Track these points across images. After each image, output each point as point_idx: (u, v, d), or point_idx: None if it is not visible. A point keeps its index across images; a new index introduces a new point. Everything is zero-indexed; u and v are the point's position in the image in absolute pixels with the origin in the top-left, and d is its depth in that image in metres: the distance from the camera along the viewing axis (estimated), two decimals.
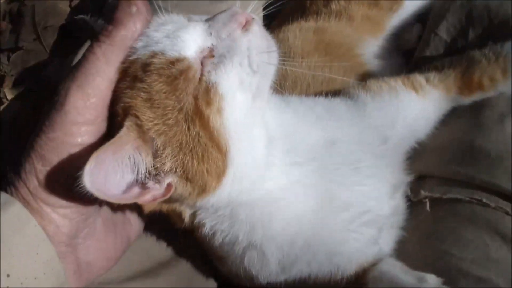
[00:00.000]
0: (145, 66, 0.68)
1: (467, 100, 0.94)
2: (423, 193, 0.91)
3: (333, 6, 1.16)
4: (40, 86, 1.53)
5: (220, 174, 0.70)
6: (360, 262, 0.83)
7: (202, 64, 0.69)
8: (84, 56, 0.69)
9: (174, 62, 0.68)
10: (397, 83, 0.94)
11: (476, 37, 1.08)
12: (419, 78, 0.95)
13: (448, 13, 1.12)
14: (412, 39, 1.22)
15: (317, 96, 0.93)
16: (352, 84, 0.96)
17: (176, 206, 0.77)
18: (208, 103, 0.68)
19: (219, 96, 0.68)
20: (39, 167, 0.67)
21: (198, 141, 0.68)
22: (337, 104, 0.91)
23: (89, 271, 0.75)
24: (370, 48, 1.16)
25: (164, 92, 0.67)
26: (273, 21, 1.32)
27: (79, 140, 0.67)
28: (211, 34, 0.71)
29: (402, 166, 0.93)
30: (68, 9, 1.76)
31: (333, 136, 0.85)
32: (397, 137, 0.90)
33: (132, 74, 0.68)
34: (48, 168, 0.67)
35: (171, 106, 0.67)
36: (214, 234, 0.79)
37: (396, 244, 0.89)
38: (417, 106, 0.92)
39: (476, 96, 0.93)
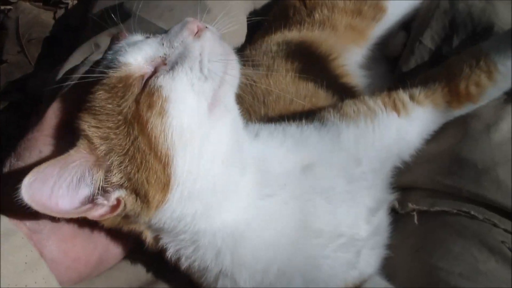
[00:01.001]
0: (93, 85, 0.70)
1: (458, 112, 0.91)
2: (410, 205, 0.90)
3: (317, 15, 1.16)
4: (25, 99, 1.52)
5: (163, 186, 0.68)
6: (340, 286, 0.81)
7: (155, 71, 0.70)
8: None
9: (114, 72, 0.69)
10: (376, 104, 0.90)
11: (461, 44, 1.08)
12: (402, 95, 0.92)
13: (432, 20, 1.12)
14: (397, 47, 1.22)
15: (291, 124, 0.90)
16: (327, 108, 0.92)
17: (135, 226, 0.75)
18: (150, 106, 0.67)
19: (162, 99, 0.67)
20: (14, 161, 0.71)
21: (137, 147, 0.67)
22: (310, 131, 0.88)
23: (54, 269, 0.72)
24: (354, 57, 1.15)
25: (105, 99, 0.68)
26: (257, 31, 1.31)
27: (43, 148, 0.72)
28: (163, 44, 0.72)
29: (385, 186, 0.91)
30: (52, 21, 1.75)
31: (306, 163, 0.82)
32: (373, 159, 0.87)
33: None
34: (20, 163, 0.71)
35: (112, 111, 0.68)
36: (179, 259, 0.77)
37: (383, 261, 0.88)
38: (398, 128, 0.89)
39: (467, 107, 0.91)
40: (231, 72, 0.72)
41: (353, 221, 0.83)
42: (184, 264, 0.77)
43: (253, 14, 1.43)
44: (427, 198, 0.91)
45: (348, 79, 1.11)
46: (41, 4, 1.80)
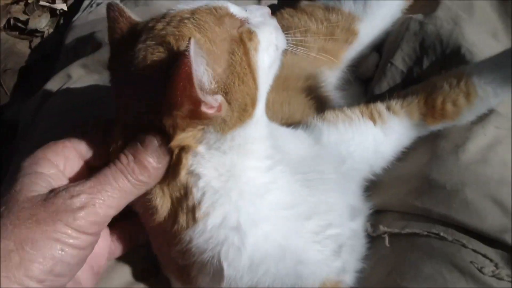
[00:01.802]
0: (193, 12, 0.74)
1: (432, 127, 0.94)
2: (382, 228, 0.91)
3: (289, 39, 1.17)
4: (1, 129, 1.51)
5: (254, 102, 0.74)
6: (324, 275, 0.81)
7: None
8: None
9: (219, 8, 0.76)
10: (354, 112, 0.94)
11: (431, 65, 1.11)
12: (379, 106, 0.96)
13: (402, 42, 1.15)
14: (370, 68, 1.24)
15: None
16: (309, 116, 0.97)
17: (196, 136, 0.72)
18: (250, 39, 0.75)
19: (257, 39, 0.76)
20: None
21: (240, 64, 0.72)
22: (299, 132, 0.92)
23: None
24: (328, 79, 1.17)
25: (213, 23, 0.73)
26: None
27: None
28: (246, 10, 0.80)
29: (361, 194, 0.93)
30: (28, 50, 1.75)
31: (301, 150, 0.87)
32: (354, 162, 0.90)
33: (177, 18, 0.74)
34: None
35: (220, 35, 0.72)
36: (204, 194, 0.74)
37: (359, 279, 0.88)
38: (374, 137, 0.92)
39: (442, 124, 0.94)
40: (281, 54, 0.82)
41: (341, 212, 0.85)
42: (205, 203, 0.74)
43: None
44: (398, 220, 0.92)
45: (324, 100, 1.13)
46: (17, 33, 1.80)
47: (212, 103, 0.68)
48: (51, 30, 1.80)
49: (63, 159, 0.73)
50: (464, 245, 0.83)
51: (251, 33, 0.76)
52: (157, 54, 0.70)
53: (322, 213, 0.81)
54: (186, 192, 0.73)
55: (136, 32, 0.75)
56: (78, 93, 1.14)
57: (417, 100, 0.93)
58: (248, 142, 0.75)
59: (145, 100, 0.71)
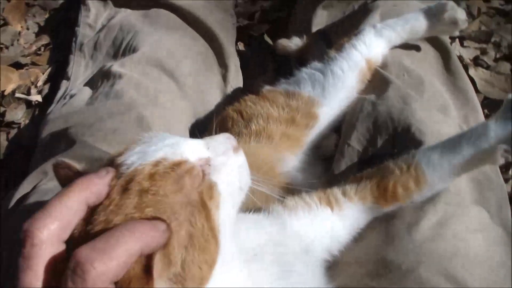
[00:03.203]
0: (151, 176, 0.69)
1: (385, 209, 0.99)
2: None
3: (253, 126, 1.23)
4: None
5: (212, 264, 0.71)
6: None
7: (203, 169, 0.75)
8: None
9: (178, 164, 0.72)
10: (312, 200, 0.98)
11: (384, 144, 1.17)
12: (336, 192, 1.00)
13: (357, 122, 1.22)
14: (329, 148, 1.31)
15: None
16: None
17: None
18: (211, 197, 0.73)
19: (217, 193, 0.74)
20: None
21: (202, 233, 0.70)
22: (262, 219, 0.95)
23: None
24: (291, 163, 1.21)
25: (174, 191, 0.69)
26: None
27: None
28: (208, 148, 0.78)
29: (324, 277, 0.95)
30: (6, 142, 1.78)
31: (265, 241, 0.88)
32: (314, 249, 0.93)
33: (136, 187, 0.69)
34: None
35: (180, 203, 0.69)
36: None
37: None
38: (331, 223, 0.96)
39: (394, 206, 0.99)
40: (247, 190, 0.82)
41: None
42: None
43: (195, 124, 1.52)
44: None
45: (288, 182, 1.16)
46: None
47: None
48: (27, 121, 1.84)
49: None
50: None
51: (212, 189, 0.73)
52: None
53: None
54: None
55: None
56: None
57: (370, 185, 0.99)
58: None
59: None
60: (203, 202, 0.72)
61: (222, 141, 0.81)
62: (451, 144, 0.98)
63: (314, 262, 0.93)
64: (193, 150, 0.76)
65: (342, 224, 0.97)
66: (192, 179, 0.72)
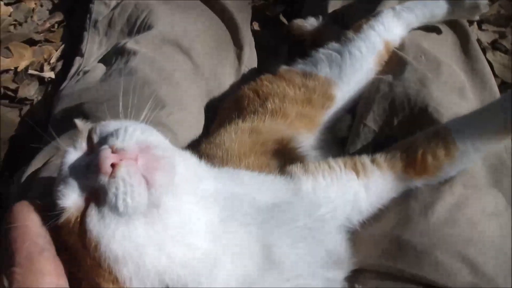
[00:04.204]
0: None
1: (415, 182, 0.98)
2: (357, 287, 0.94)
3: (269, 105, 1.23)
4: None
5: None
6: None
7: (88, 201, 0.72)
8: None
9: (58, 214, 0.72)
10: (337, 163, 0.98)
11: (400, 125, 1.17)
12: (364, 158, 1.00)
13: (374, 103, 1.22)
14: (343, 128, 1.30)
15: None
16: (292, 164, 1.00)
17: None
18: (84, 246, 0.71)
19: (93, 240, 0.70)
20: None
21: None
22: (274, 178, 0.95)
23: None
24: (306, 141, 1.21)
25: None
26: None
27: None
28: (87, 181, 0.73)
29: (343, 243, 0.95)
30: (18, 119, 1.78)
31: (268, 201, 0.87)
32: (332, 207, 0.92)
33: None
34: None
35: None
36: None
37: None
38: (355, 190, 0.95)
39: (424, 180, 0.98)
40: (159, 191, 0.72)
41: (312, 262, 0.86)
42: None
43: (210, 104, 1.52)
44: (373, 280, 0.95)
45: (303, 161, 1.16)
46: (7, 102, 1.84)
47: None
48: (39, 98, 1.84)
49: None
50: None
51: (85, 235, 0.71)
52: None
53: (290, 265, 0.82)
54: None
55: None
56: None
57: (399, 153, 0.98)
58: None
59: None
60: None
61: (95, 168, 0.72)
62: (483, 111, 0.98)
63: (326, 219, 0.92)
64: (71, 189, 0.73)
65: (366, 193, 0.96)
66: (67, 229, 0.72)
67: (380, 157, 0.99)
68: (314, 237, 0.88)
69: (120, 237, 0.69)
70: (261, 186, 0.91)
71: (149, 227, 0.71)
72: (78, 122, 0.92)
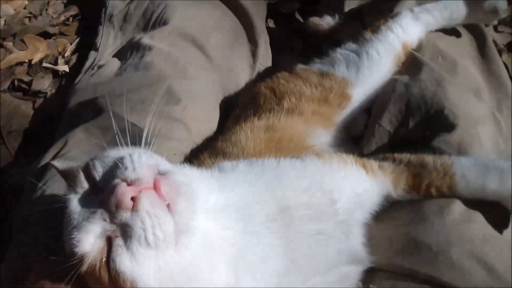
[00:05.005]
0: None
1: (415, 197, 1.00)
2: (372, 287, 0.94)
3: (285, 104, 1.23)
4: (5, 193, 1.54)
5: None
6: None
7: (110, 245, 0.70)
8: None
9: (78, 262, 0.70)
10: (349, 157, 0.99)
11: (416, 126, 1.17)
12: (372, 161, 1.01)
13: (389, 103, 1.22)
14: (359, 127, 1.31)
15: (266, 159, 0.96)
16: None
17: None
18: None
19: (129, 281, 0.69)
20: None
21: None
22: (287, 166, 0.94)
23: None
24: (322, 138, 1.21)
25: None
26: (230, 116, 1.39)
27: None
28: (105, 220, 0.71)
29: (361, 241, 0.96)
30: (32, 111, 1.79)
31: (285, 202, 0.87)
32: (345, 202, 0.93)
33: None
34: None
35: None
36: None
37: None
38: (365, 182, 0.97)
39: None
40: (182, 221, 0.72)
41: (326, 260, 0.88)
42: None
43: (224, 99, 1.52)
44: (387, 280, 0.95)
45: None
46: (20, 94, 1.85)
47: None
48: (53, 91, 1.85)
49: None
50: None
51: (117, 281, 0.70)
52: None
53: (309, 267, 0.84)
54: None
55: None
56: None
57: (407, 173, 0.99)
58: None
59: None
60: None
61: (114, 204, 0.69)
62: (489, 163, 0.98)
63: (341, 215, 0.92)
64: (93, 233, 0.71)
65: (373, 191, 0.98)
66: (92, 277, 0.71)
67: (388, 167, 1.00)
68: (330, 234, 0.89)
69: (155, 271, 0.69)
70: (276, 184, 0.91)
71: (180, 253, 0.71)
72: (56, 163, 0.90)
